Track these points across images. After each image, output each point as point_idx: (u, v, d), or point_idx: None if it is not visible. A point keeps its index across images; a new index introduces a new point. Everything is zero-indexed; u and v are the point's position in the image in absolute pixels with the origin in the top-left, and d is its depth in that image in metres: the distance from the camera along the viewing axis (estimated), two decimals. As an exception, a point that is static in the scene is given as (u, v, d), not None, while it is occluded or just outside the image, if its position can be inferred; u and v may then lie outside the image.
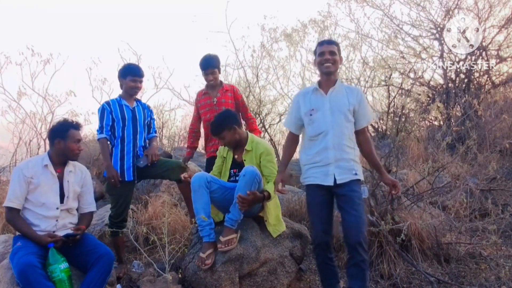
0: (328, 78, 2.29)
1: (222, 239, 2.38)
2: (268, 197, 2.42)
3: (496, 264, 2.73)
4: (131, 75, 2.83)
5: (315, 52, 2.36)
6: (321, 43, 2.32)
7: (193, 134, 3.34)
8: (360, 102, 2.26)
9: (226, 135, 2.56)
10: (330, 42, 2.33)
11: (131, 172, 2.77)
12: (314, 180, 2.26)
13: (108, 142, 2.82)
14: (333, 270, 2.29)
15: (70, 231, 2.23)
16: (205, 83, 3.26)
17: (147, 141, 2.98)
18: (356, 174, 2.21)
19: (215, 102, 3.18)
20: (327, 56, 2.24)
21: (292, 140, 2.46)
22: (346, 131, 2.23)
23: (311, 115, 2.27)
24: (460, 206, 3.27)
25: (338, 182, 2.18)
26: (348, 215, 2.12)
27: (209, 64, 3.15)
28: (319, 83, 2.34)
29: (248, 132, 2.70)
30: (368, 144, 2.32)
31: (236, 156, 2.69)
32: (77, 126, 2.32)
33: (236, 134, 2.59)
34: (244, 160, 2.60)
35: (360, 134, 2.31)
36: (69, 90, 4.79)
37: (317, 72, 2.43)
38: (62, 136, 2.25)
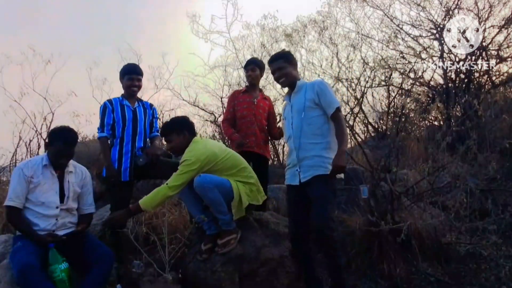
0: (292, 88, 2.43)
1: (219, 242, 2.39)
2: (132, 213, 2.37)
3: (496, 264, 2.73)
4: (127, 74, 2.83)
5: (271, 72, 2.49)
6: (269, 63, 2.46)
7: (231, 125, 3.25)
8: (319, 93, 2.27)
9: (174, 139, 2.49)
10: (275, 59, 2.41)
11: (127, 173, 2.76)
12: (287, 181, 2.43)
13: (108, 141, 2.81)
14: (309, 266, 2.39)
15: (69, 231, 2.23)
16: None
17: (148, 140, 2.97)
18: (320, 167, 2.21)
19: (255, 102, 3.25)
20: (277, 74, 2.40)
21: None
22: (307, 128, 2.28)
23: (282, 122, 2.51)
24: (460, 206, 3.27)
25: (302, 181, 2.27)
26: (313, 208, 2.21)
27: (252, 61, 3.37)
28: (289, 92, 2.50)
29: (194, 140, 2.52)
30: (337, 133, 2.24)
31: None
32: (67, 141, 2.24)
33: (185, 141, 2.48)
34: None
35: (333, 122, 2.27)
36: (69, 90, 4.80)
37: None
38: (50, 143, 2.27)
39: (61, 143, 2.22)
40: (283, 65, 2.37)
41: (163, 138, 2.58)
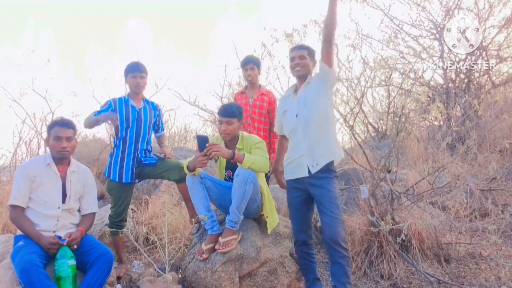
0: (301, 81, 2.42)
1: (221, 240, 2.39)
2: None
3: (496, 264, 2.73)
4: (130, 72, 2.80)
5: (290, 58, 2.48)
6: (292, 49, 2.46)
7: None
8: (319, 67, 2.32)
9: (234, 123, 2.51)
10: (300, 47, 2.45)
11: (129, 175, 2.75)
12: (291, 176, 2.38)
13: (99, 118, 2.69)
14: (311, 266, 2.41)
15: (70, 231, 2.23)
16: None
17: (157, 139, 3.04)
18: (330, 153, 2.27)
19: (250, 103, 3.23)
20: (296, 61, 2.39)
21: (280, 141, 2.64)
22: (317, 116, 2.28)
23: (284, 115, 2.45)
24: (460, 206, 3.27)
25: (312, 172, 2.26)
26: (323, 215, 2.21)
27: (250, 61, 3.26)
28: (296, 86, 2.49)
29: (240, 132, 2.63)
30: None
31: None
32: (61, 123, 2.25)
33: (238, 130, 2.57)
34: None
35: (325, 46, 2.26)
36: (69, 90, 4.80)
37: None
38: (48, 134, 2.28)
39: (56, 126, 2.25)
40: (305, 56, 2.39)
41: (224, 117, 2.50)
